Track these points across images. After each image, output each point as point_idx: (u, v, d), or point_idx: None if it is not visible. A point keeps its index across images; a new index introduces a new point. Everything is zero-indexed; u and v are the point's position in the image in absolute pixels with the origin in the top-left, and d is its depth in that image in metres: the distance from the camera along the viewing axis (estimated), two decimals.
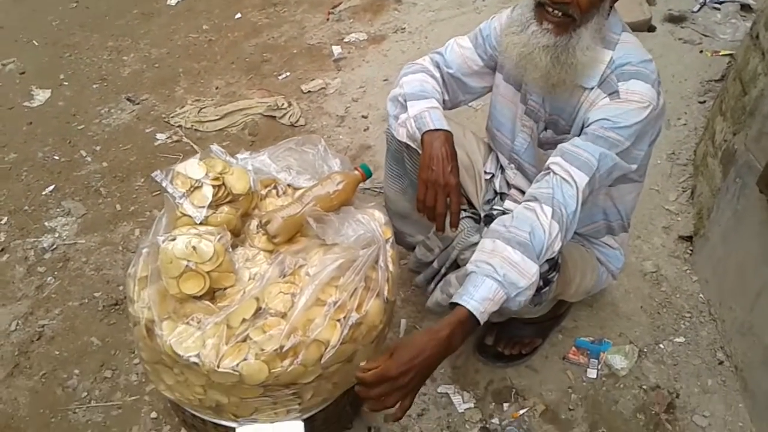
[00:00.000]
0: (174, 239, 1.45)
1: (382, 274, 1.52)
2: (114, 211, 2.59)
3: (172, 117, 3.09)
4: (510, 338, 1.96)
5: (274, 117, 3.06)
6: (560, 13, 1.44)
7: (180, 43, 3.73)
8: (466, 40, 1.78)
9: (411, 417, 1.85)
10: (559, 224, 1.39)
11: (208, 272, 1.43)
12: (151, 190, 2.66)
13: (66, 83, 3.40)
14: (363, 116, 3.05)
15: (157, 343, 1.40)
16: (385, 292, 1.52)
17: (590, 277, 1.82)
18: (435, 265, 1.80)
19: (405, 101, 1.68)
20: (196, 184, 1.56)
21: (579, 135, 1.50)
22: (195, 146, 2.89)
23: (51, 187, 2.70)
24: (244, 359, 1.34)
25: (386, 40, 3.62)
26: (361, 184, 1.72)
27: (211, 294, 1.47)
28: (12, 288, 2.27)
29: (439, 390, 1.91)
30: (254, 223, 1.62)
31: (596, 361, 1.97)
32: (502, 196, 1.91)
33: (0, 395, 1.94)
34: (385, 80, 3.26)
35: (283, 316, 1.41)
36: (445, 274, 1.78)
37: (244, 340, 1.37)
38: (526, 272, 1.33)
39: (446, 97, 1.78)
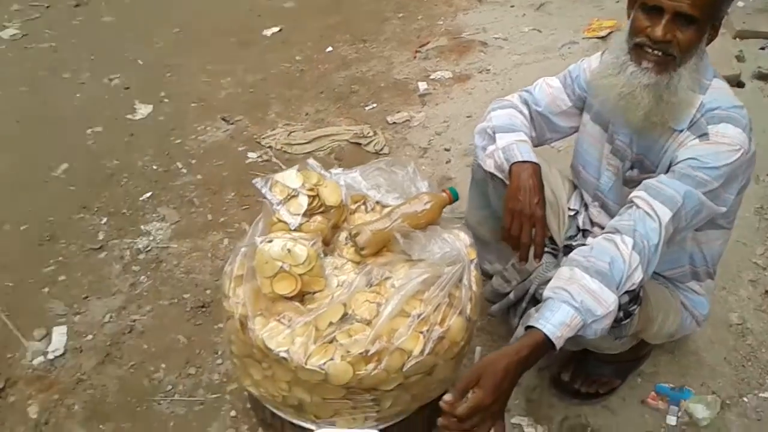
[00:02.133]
0: (271, 241, 1.52)
1: (465, 293, 1.54)
2: (205, 221, 2.70)
3: (263, 138, 3.22)
4: (587, 376, 1.93)
5: (360, 144, 3.15)
6: (660, 53, 1.46)
7: (274, 71, 3.90)
8: (555, 80, 1.81)
9: None
10: (640, 256, 1.37)
11: (300, 275, 1.49)
12: (240, 204, 2.78)
13: (166, 100, 3.60)
14: (445, 149, 3.11)
15: (249, 336, 1.46)
16: (468, 311, 1.54)
17: (673, 319, 1.79)
18: (511, 296, 1.81)
19: (494, 133, 1.72)
20: (293, 193, 1.64)
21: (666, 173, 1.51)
22: (283, 167, 2.99)
23: (148, 194, 2.85)
24: (331, 359, 1.39)
25: (471, 80, 3.69)
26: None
27: (301, 296, 1.53)
28: (108, 283, 2.40)
29: (513, 420, 1.89)
30: (344, 234, 1.68)
31: (676, 408, 1.91)
32: (585, 233, 1.91)
33: (91, 381, 2.03)
34: (468, 117, 3.32)
35: (369, 323, 1.45)
36: (525, 307, 1.78)
37: (331, 342, 1.42)
38: (604, 301, 1.31)
39: (533, 134, 1.81)
